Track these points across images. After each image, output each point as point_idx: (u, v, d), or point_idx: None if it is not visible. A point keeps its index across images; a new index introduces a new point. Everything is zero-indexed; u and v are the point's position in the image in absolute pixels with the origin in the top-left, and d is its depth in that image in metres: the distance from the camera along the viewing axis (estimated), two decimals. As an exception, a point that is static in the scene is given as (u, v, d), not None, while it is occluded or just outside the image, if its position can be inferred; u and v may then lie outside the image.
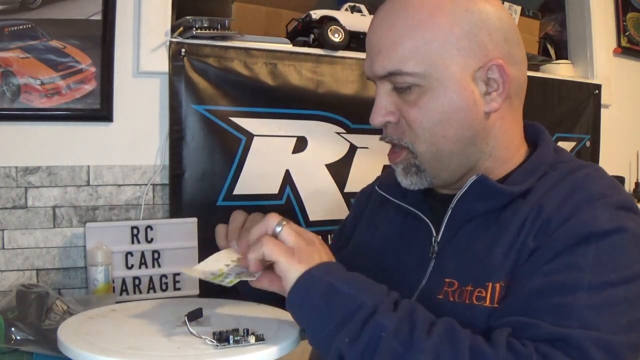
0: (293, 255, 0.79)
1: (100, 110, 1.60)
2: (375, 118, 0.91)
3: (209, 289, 1.63)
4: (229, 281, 0.86)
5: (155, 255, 1.61)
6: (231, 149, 1.71)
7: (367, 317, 0.74)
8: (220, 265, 0.90)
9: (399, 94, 0.87)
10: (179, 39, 1.64)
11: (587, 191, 0.81)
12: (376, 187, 1.02)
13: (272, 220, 0.83)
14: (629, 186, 2.41)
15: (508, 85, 0.86)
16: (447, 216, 0.89)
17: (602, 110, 2.36)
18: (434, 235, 0.91)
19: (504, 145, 0.90)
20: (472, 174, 0.88)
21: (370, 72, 0.90)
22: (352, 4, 1.90)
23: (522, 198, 0.84)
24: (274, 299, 0.97)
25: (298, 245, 0.81)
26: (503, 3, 2.16)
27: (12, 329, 1.15)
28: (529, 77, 0.94)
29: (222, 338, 0.83)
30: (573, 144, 2.29)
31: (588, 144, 2.33)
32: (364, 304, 0.74)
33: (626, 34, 2.46)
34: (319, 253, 0.82)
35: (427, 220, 0.92)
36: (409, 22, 0.85)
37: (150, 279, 1.60)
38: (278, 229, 0.82)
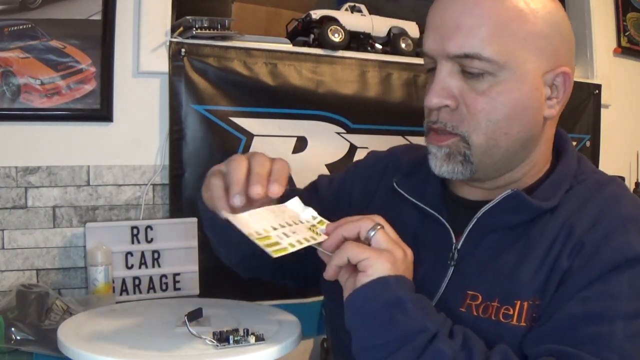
0: (381, 254, 0.76)
1: (100, 110, 1.59)
2: (433, 98, 0.82)
3: (209, 289, 1.64)
4: (276, 250, 0.75)
5: (155, 255, 1.61)
6: (231, 149, 1.71)
7: (428, 342, 0.73)
8: (265, 224, 0.79)
9: (467, 79, 0.81)
10: (179, 39, 1.64)
11: (617, 213, 0.81)
12: (394, 184, 0.97)
13: (367, 222, 0.78)
14: (629, 186, 2.41)
15: (568, 95, 0.85)
16: (471, 225, 0.86)
17: (602, 110, 2.35)
18: (454, 241, 0.87)
19: (543, 152, 0.89)
20: (509, 177, 0.87)
21: (438, 48, 0.82)
22: (352, 4, 1.90)
23: (550, 213, 0.83)
24: (270, 274, 0.96)
25: (390, 249, 0.77)
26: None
27: (12, 329, 1.15)
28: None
29: (222, 338, 0.83)
30: (573, 144, 2.29)
31: (588, 144, 2.33)
32: (426, 328, 0.73)
33: (626, 34, 2.45)
34: (406, 264, 0.78)
35: (448, 226, 0.89)
36: (497, 7, 0.80)
37: (150, 279, 1.60)
38: (372, 233, 0.77)
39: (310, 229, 0.82)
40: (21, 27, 1.51)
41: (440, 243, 0.89)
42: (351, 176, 1.09)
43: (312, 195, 1.08)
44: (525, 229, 0.83)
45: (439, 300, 0.86)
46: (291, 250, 0.76)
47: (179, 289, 1.62)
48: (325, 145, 1.84)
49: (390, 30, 1.93)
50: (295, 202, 0.86)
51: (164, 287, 1.60)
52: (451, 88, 0.82)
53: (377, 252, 0.76)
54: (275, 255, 0.74)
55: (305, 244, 0.78)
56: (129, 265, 1.58)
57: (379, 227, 0.78)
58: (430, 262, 0.88)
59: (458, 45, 0.80)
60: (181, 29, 1.63)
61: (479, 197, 0.89)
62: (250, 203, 0.80)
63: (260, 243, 0.75)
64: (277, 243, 0.76)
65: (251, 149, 1.73)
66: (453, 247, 0.87)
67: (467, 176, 0.85)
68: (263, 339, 0.84)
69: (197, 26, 1.62)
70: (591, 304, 0.75)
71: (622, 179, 2.40)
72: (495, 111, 0.81)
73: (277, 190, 0.80)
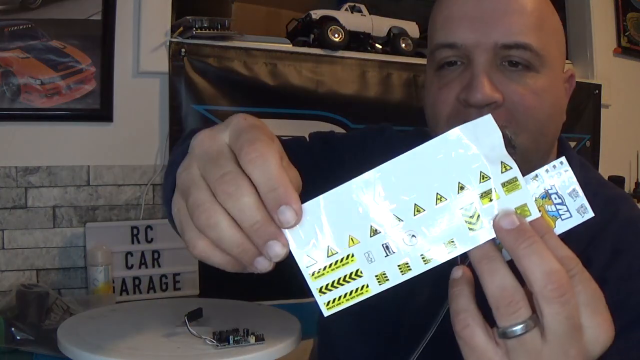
0: None
1: (100, 110, 1.59)
2: (483, 91, 0.69)
3: (209, 289, 1.64)
4: (331, 304, 0.43)
5: (155, 255, 1.61)
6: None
7: None
8: (364, 218, 0.42)
9: (509, 73, 0.72)
10: (179, 39, 1.64)
11: (637, 243, 0.74)
12: None
13: (512, 312, 0.43)
14: (629, 186, 2.41)
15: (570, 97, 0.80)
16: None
17: (602, 110, 2.36)
18: (458, 264, 0.77)
19: (551, 160, 0.83)
20: None
21: (479, 37, 0.71)
22: (352, 4, 1.90)
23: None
24: None
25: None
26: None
27: (12, 329, 1.15)
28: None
29: (222, 338, 0.83)
30: (573, 144, 2.29)
31: (588, 144, 2.33)
32: None
33: (626, 34, 2.46)
34: None
35: None
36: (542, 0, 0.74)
37: (150, 279, 1.60)
38: (518, 331, 0.43)
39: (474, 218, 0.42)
40: (21, 27, 1.51)
41: None
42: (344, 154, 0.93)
43: (325, 150, 0.94)
44: None
45: (443, 318, 0.75)
46: (376, 290, 0.43)
47: (179, 289, 1.62)
48: (325, 145, 1.84)
49: (390, 30, 1.93)
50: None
51: (164, 287, 1.60)
52: (495, 82, 0.71)
53: None
54: (326, 313, 0.43)
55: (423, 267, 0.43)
56: (129, 265, 1.58)
57: (532, 324, 0.43)
58: (429, 282, 0.75)
59: (508, 34, 0.71)
60: (181, 29, 1.63)
61: None
62: None
63: (312, 283, 0.43)
64: (355, 276, 0.42)
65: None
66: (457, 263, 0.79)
67: None
68: (263, 339, 0.84)
69: (197, 26, 1.62)
70: (632, 353, 0.68)
71: (622, 179, 2.40)
72: (542, 109, 0.72)
73: (291, 216, 0.42)
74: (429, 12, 0.83)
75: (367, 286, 0.42)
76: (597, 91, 2.33)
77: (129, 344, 0.83)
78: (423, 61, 2.19)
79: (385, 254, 0.42)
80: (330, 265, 0.42)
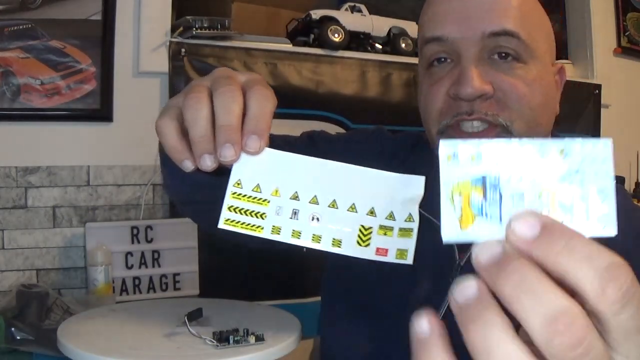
0: None
1: (100, 110, 1.60)
2: (472, 84, 0.70)
3: (209, 289, 1.64)
4: (230, 220, 0.51)
5: (155, 255, 1.60)
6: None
7: None
8: (276, 178, 0.53)
9: (497, 65, 0.73)
10: (179, 39, 1.64)
11: None
12: None
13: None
14: (629, 186, 2.41)
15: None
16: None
17: (602, 110, 2.36)
18: (457, 258, 0.77)
19: None
20: None
21: (465, 30, 0.72)
22: (352, 4, 1.90)
23: None
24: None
25: None
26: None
27: (12, 329, 1.15)
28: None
29: (222, 338, 0.83)
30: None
31: (588, 144, 2.33)
32: None
33: (626, 34, 2.45)
34: None
35: None
36: None
37: (150, 279, 1.60)
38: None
39: (364, 231, 0.52)
40: (21, 27, 1.51)
41: (439, 255, 0.78)
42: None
43: (309, 148, 0.92)
44: None
45: (444, 312, 0.74)
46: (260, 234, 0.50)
47: (179, 289, 1.62)
48: (325, 145, 1.84)
49: (390, 30, 1.93)
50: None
51: (164, 287, 1.60)
52: (484, 73, 0.72)
53: None
54: (221, 225, 0.51)
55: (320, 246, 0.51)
56: (129, 265, 1.58)
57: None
58: (429, 276, 0.79)
59: (495, 23, 0.72)
60: (181, 29, 1.63)
61: None
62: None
63: (228, 199, 0.51)
64: (259, 216, 0.51)
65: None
66: (456, 263, 0.77)
67: None
68: (263, 339, 0.84)
69: (197, 26, 1.62)
70: None
71: (622, 179, 2.39)
72: (534, 97, 0.73)
73: (255, 145, 0.53)
74: (429, 12, 0.84)
75: (262, 228, 0.50)
76: (597, 91, 2.33)
77: (129, 344, 0.83)
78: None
79: (290, 216, 0.51)
80: (250, 196, 0.51)
